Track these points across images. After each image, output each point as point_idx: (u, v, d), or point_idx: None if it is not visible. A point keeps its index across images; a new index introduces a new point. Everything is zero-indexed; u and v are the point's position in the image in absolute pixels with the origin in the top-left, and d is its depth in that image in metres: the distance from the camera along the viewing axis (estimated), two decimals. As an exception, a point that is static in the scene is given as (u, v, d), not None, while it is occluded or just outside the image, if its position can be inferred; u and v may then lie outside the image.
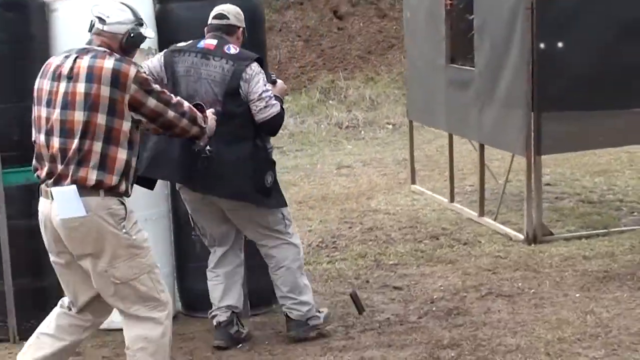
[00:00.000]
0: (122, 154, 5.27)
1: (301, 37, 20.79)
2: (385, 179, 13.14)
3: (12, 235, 7.16)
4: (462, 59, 10.55)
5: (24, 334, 6.64)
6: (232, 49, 6.67)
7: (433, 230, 10.24)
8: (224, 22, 6.75)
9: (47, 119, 5.30)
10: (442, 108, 11.18)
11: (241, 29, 6.85)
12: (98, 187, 5.21)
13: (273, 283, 7.12)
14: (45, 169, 5.32)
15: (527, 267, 8.73)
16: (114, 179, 5.24)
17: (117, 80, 5.18)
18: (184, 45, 6.77)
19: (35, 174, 5.45)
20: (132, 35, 5.44)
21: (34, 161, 5.46)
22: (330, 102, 18.87)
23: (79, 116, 5.17)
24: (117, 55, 5.31)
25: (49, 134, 5.29)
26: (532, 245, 9.38)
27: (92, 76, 5.17)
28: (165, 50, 6.86)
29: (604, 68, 9.42)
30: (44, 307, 6.72)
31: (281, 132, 7.00)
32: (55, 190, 5.21)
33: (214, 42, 6.68)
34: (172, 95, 5.56)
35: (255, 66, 6.66)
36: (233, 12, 6.81)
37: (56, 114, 5.25)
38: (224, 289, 7.03)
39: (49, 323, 5.65)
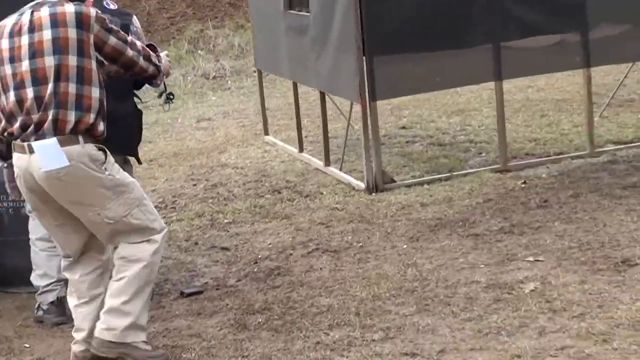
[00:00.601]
0: (95, 93, 5.38)
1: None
2: (243, 130, 12.89)
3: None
4: (299, 4, 10.19)
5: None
6: (111, 5, 6.60)
7: (277, 184, 9.99)
8: None
9: (14, 75, 5.36)
10: (283, 55, 10.88)
11: None
12: (77, 131, 5.31)
13: None
14: (18, 123, 5.36)
15: (361, 219, 8.51)
16: (91, 117, 5.35)
17: (81, 21, 5.29)
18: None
19: (6, 133, 5.46)
20: None
21: (4, 123, 5.46)
22: (199, 52, 18.54)
23: (49, 61, 5.27)
24: (72, 3, 5.40)
25: (18, 87, 5.35)
26: (373, 194, 9.16)
27: (57, 22, 5.26)
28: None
29: (439, 5, 9.19)
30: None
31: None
32: (36, 144, 5.27)
33: None
34: (131, 39, 5.69)
35: (136, 21, 6.70)
36: None
37: (24, 65, 5.32)
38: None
39: (78, 294, 5.78)
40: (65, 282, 6.33)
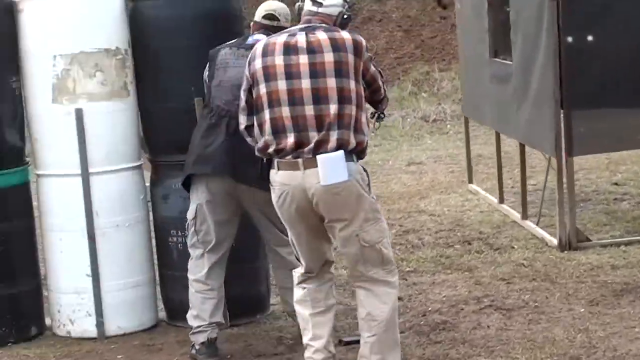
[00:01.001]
0: (363, 117, 5.65)
1: (401, 27, 20.39)
2: (450, 176, 12.69)
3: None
4: (504, 52, 9.98)
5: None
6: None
7: (469, 234, 9.78)
8: (274, 23, 6.66)
9: (291, 91, 5.52)
10: (488, 103, 10.70)
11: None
12: (354, 151, 5.54)
13: (286, 288, 6.80)
14: (292, 140, 5.52)
15: (545, 277, 8.21)
16: (365, 140, 5.63)
17: (357, 48, 5.58)
18: (236, 40, 6.80)
19: (270, 150, 5.63)
20: (345, 16, 5.84)
21: (268, 137, 5.63)
22: (423, 94, 18.42)
23: (331, 83, 5.50)
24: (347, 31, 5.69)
25: (295, 104, 5.51)
26: (564, 252, 8.84)
27: (337, 46, 5.53)
28: (217, 48, 6.78)
29: (636, 63, 8.77)
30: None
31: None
32: (321, 157, 5.44)
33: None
34: None
35: None
36: (283, 14, 6.76)
37: (304, 83, 5.51)
38: (215, 304, 6.79)
39: (314, 303, 5.93)
40: (217, 324, 6.62)
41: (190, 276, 6.81)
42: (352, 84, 5.55)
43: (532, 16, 8.93)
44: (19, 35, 7.19)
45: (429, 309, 7.67)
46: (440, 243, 9.50)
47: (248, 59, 5.79)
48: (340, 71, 5.52)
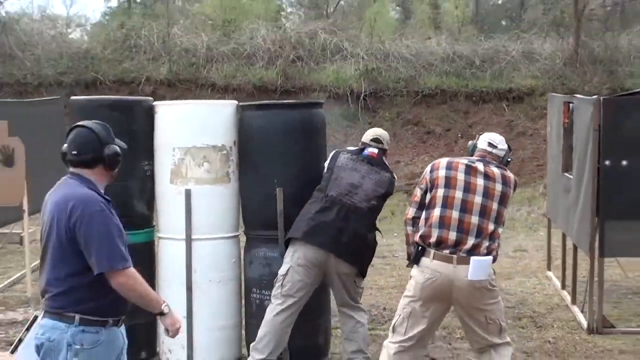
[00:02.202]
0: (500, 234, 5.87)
1: (546, 141, 19.91)
2: (542, 264, 12.07)
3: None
4: (569, 169, 9.66)
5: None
6: (386, 162, 6.95)
7: (525, 312, 9.42)
8: (379, 146, 6.92)
9: (464, 201, 5.71)
10: (559, 209, 10.33)
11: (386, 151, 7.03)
12: (493, 259, 5.73)
13: (348, 340, 6.91)
14: (453, 238, 5.65)
15: (560, 354, 7.85)
16: (497, 251, 5.81)
17: (514, 185, 5.91)
18: (353, 149, 7.02)
19: (430, 240, 5.72)
20: (508, 159, 6.11)
21: (432, 229, 5.73)
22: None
23: (495, 206, 5.72)
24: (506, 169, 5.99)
25: (464, 211, 5.69)
26: (591, 335, 8.39)
27: (506, 181, 5.84)
28: (337, 150, 7.11)
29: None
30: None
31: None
32: (473, 258, 5.57)
33: (376, 152, 6.88)
34: None
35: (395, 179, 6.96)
36: (386, 139, 7.03)
37: (477, 199, 5.71)
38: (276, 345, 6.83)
39: None
40: None
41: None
42: (504, 211, 5.81)
43: (583, 141, 8.58)
44: (154, 130, 7.40)
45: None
46: (498, 318, 9.12)
47: (431, 167, 5.99)
48: (502, 199, 5.76)
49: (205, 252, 7.26)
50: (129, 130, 7.22)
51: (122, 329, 4.45)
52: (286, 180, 7.11)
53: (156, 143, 7.37)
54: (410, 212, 5.98)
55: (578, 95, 9.27)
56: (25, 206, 10.22)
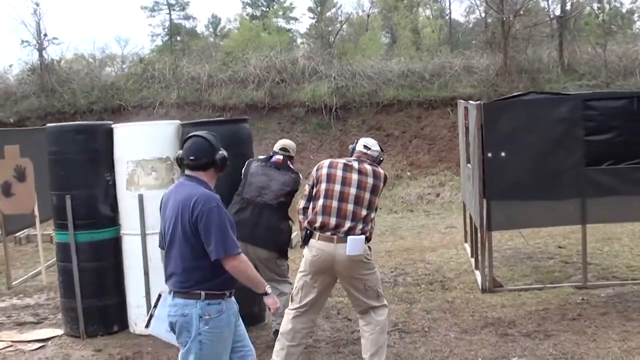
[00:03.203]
0: (374, 218, 5.90)
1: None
2: (460, 237, 12.11)
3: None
4: (469, 161, 9.70)
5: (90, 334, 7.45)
6: (291, 166, 7.05)
7: (437, 278, 9.43)
8: (285, 153, 7.04)
9: (341, 192, 5.75)
10: (466, 193, 10.37)
11: (293, 157, 7.15)
12: (367, 237, 5.73)
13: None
14: (333, 222, 5.70)
15: (453, 310, 7.90)
16: (371, 232, 5.83)
17: (385, 180, 5.91)
18: (263, 157, 7.09)
19: (315, 225, 5.77)
20: (381, 159, 6.13)
21: (317, 216, 5.78)
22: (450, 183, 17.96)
23: (366, 195, 5.76)
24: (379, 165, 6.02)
25: (341, 200, 5.72)
26: (484, 294, 8.46)
27: (376, 175, 5.84)
28: (250, 159, 7.15)
29: (536, 170, 8.35)
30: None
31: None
32: (350, 237, 5.63)
33: (281, 158, 7.00)
34: None
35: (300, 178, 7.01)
36: (292, 147, 7.16)
37: (352, 191, 5.74)
38: None
39: (291, 334, 5.94)
40: None
41: None
42: (376, 199, 5.83)
43: (474, 138, 8.64)
44: (113, 148, 7.49)
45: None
46: (412, 283, 9.19)
47: (317, 167, 6.05)
48: (373, 190, 5.79)
49: (157, 245, 7.32)
50: (92, 148, 7.39)
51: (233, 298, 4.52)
52: (217, 184, 7.17)
53: (115, 157, 7.46)
54: (301, 203, 6.01)
55: (470, 102, 9.31)
56: (37, 212, 10.39)
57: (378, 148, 6.13)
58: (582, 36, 23.22)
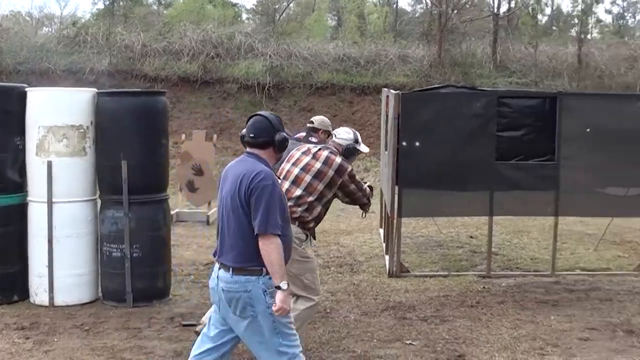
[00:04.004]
0: (319, 208, 5.77)
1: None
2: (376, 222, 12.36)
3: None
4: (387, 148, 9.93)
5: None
6: (313, 140, 6.96)
7: (348, 261, 9.67)
8: (311, 125, 7.23)
9: (288, 171, 5.78)
10: (383, 180, 10.61)
11: (321, 130, 7.14)
12: (299, 221, 5.61)
13: None
14: None
15: (357, 294, 8.11)
16: (307, 218, 5.69)
17: (338, 168, 5.74)
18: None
19: None
20: (350, 148, 6.00)
21: None
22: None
23: (306, 178, 5.71)
24: (341, 157, 5.85)
25: (285, 179, 5.74)
26: (390, 278, 8.71)
27: (326, 162, 5.74)
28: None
29: (448, 162, 8.62)
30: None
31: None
32: None
33: (303, 134, 7.16)
34: (362, 184, 6.06)
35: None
36: (318, 120, 7.28)
37: (295, 170, 5.76)
38: None
39: None
40: None
41: None
42: (319, 184, 5.69)
43: (391, 126, 8.86)
44: (25, 111, 7.45)
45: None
46: (322, 265, 9.29)
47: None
48: (317, 175, 5.69)
49: (63, 213, 7.37)
50: (4, 110, 7.35)
51: None
52: (130, 154, 7.28)
53: (27, 122, 7.42)
54: None
55: (392, 91, 9.53)
56: None
57: (348, 136, 6.06)
58: (515, 35, 23.71)
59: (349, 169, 5.81)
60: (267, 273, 4.24)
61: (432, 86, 10.17)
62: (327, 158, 5.77)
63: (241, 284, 4.29)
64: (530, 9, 24.77)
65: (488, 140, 8.57)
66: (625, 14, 45.28)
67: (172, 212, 12.48)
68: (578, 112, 8.68)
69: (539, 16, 25.42)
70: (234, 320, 4.39)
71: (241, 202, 4.28)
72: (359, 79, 20.97)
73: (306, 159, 5.81)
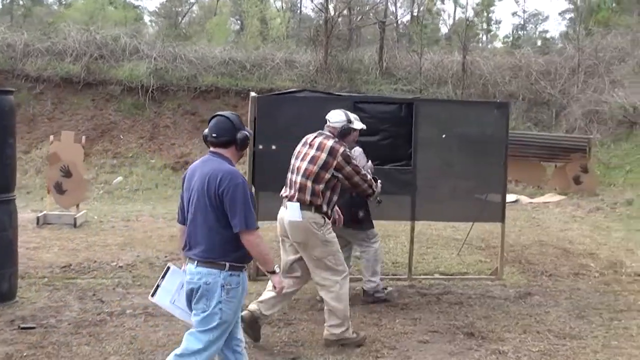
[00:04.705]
0: (327, 193, 6.24)
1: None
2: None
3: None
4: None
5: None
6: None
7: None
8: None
9: (297, 167, 6.28)
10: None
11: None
12: (311, 205, 6.13)
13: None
14: (287, 193, 6.28)
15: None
16: (318, 202, 6.18)
17: (343, 156, 6.23)
18: None
19: (283, 195, 6.38)
20: (345, 129, 6.44)
21: (285, 188, 6.41)
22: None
23: (314, 169, 6.21)
24: (336, 139, 6.34)
25: (295, 173, 6.28)
26: (250, 282, 8.58)
27: (331, 152, 6.23)
28: None
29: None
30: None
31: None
32: (288, 204, 6.19)
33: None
34: (361, 169, 6.44)
35: (355, 150, 7.39)
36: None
37: (303, 165, 6.24)
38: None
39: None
40: None
41: None
42: (325, 175, 6.19)
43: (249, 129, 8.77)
44: None
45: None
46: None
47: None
48: (323, 166, 6.19)
49: None
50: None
51: None
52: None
53: None
54: None
55: (253, 93, 9.47)
56: None
57: (340, 119, 6.46)
58: (402, 43, 24.12)
59: (341, 150, 6.21)
60: (230, 269, 4.45)
61: (288, 90, 10.11)
62: (331, 149, 6.21)
63: (202, 275, 4.46)
64: (417, 18, 25.25)
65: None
66: (527, 25, 46.72)
67: (39, 215, 12.19)
68: (434, 118, 8.81)
69: (423, 25, 25.84)
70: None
71: (210, 201, 4.45)
72: (244, 82, 20.95)
73: (311, 152, 6.27)
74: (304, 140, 6.44)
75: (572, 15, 38.55)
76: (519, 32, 45.37)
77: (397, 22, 25.16)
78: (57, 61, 21.02)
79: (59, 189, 12.34)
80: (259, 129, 8.52)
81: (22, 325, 6.71)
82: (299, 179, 6.19)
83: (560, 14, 55.81)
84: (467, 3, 44.23)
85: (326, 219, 6.21)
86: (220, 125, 4.66)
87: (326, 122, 6.48)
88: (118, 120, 19.52)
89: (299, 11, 39.21)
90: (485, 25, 42.22)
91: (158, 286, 4.80)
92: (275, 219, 9.66)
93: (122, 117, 19.82)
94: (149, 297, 4.89)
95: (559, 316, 7.53)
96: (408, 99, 9.73)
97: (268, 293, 6.46)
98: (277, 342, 6.51)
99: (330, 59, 21.66)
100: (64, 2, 45.66)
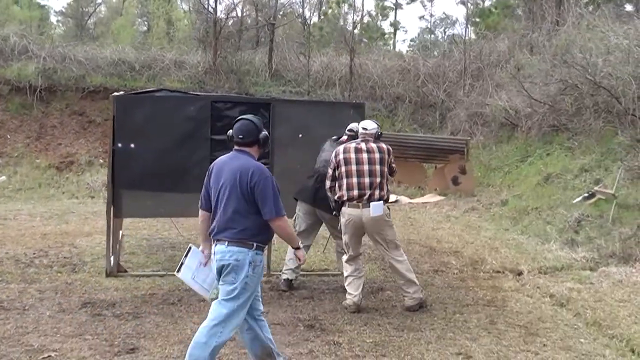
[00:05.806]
0: (386, 182, 7.58)
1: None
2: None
3: None
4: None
5: None
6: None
7: (71, 261, 9.55)
8: (352, 133, 8.17)
9: (358, 170, 7.48)
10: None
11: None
12: (385, 200, 7.47)
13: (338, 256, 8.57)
14: (356, 193, 7.46)
15: (62, 290, 7.98)
16: (387, 197, 7.58)
17: (388, 152, 7.63)
18: (334, 138, 8.46)
19: (343, 198, 7.57)
20: (379, 133, 7.77)
21: (344, 192, 7.56)
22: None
23: (377, 167, 7.50)
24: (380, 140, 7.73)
25: (360, 176, 7.46)
26: (108, 278, 8.67)
27: (380, 150, 7.58)
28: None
29: (164, 164, 8.70)
30: None
31: None
32: (372, 203, 7.40)
33: (346, 138, 8.24)
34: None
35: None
36: (354, 127, 8.17)
37: (365, 167, 7.47)
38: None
39: (355, 272, 7.81)
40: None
41: None
42: (385, 169, 7.54)
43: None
44: None
45: None
46: (46, 264, 9.22)
47: (334, 154, 7.64)
48: (381, 162, 7.52)
49: None
50: None
51: None
52: None
53: None
54: (327, 184, 7.70)
55: (115, 93, 9.49)
56: None
57: (375, 126, 7.71)
58: (289, 45, 24.35)
59: (387, 147, 7.59)
60: (256, 248, 5.18)
61: (146, 89, 10.17)
62: (379, 147, 7.53)
63: (234, 253, 5.15)
64: (306, 21, 25.53)
65: (203, 143, 8.73)
66: (435, 29, 47.50)
67: None
68: (291, 118, 9.02)
69: (310, 28, 26.14)
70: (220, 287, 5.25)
71: (242, 192, 5.14)
72: (133, 83, 20.83)
73: (365, 155, 7.49)
74: (343, 148, 7.58)
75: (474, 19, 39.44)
76: (425, 36, 46.05)
77: (304, 25, 25.32)
78: (-59, 61, 20.47)
79: None
80: (118, 127, 8.59)
81: None
82: (368, 180, 7.41)
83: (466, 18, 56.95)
84: (362, 5, 44.67)
85: (389, 208, 7.65)
86: (245, 128, 5.31)
87: (362, 130, 7.66)
88: (5, 120, 19.15)
89: (207, 13, 38.95)
90: (391, 29, 42.84)
91: (182, 264, 5.46)
92: (140, 215, 9.82)
93: (10, 117, 19.46)
94: (175, 272, 5.55)
95: (400, 310, 7.75)
96: (265, 98, 9.93)
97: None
98: (121, 334, 6.61)
99: (220, 60, 21.72)
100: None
